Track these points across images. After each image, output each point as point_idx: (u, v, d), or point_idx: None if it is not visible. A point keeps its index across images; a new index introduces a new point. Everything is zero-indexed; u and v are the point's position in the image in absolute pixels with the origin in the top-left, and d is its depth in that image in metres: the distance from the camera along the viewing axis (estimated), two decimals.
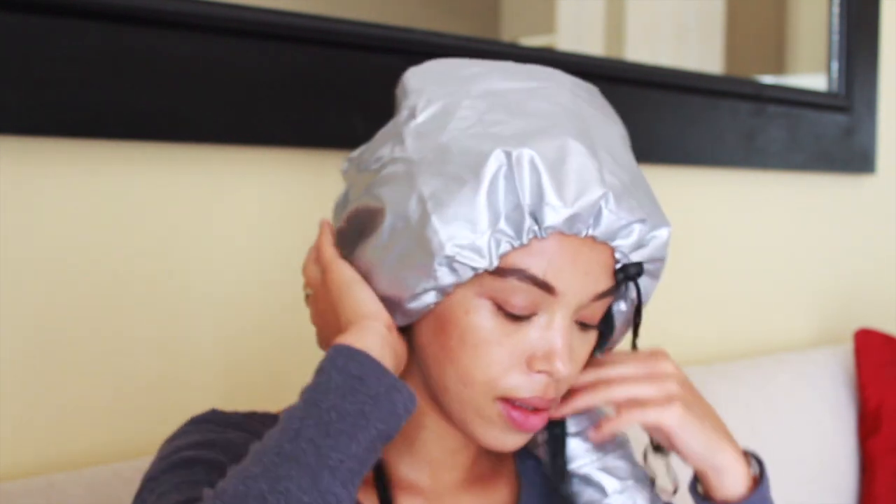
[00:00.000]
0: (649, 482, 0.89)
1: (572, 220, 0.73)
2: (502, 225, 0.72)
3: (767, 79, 2.00)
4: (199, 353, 1.11)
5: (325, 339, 0.84)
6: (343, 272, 0.79)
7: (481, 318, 0.75)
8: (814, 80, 1.96)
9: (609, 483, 0.86)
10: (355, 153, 0.84)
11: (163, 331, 1.09)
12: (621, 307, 0.83)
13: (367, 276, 0.79)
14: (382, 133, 0.81)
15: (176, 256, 1.10)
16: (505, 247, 0.73)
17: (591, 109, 0.79)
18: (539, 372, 0.76)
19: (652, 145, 1.59)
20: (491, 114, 0.75)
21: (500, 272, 0.74)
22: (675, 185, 1.67)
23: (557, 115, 0.76)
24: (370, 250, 0.78)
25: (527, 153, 0.72)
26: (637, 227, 0.76)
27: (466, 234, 0.72)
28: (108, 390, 1.06)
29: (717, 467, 0.84)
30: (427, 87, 0.79)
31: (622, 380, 0.83)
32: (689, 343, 1.68)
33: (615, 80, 1.51)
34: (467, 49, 1.31)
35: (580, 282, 0.75)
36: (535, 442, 0.89)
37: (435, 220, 0.72)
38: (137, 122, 1.04)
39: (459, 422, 0.79)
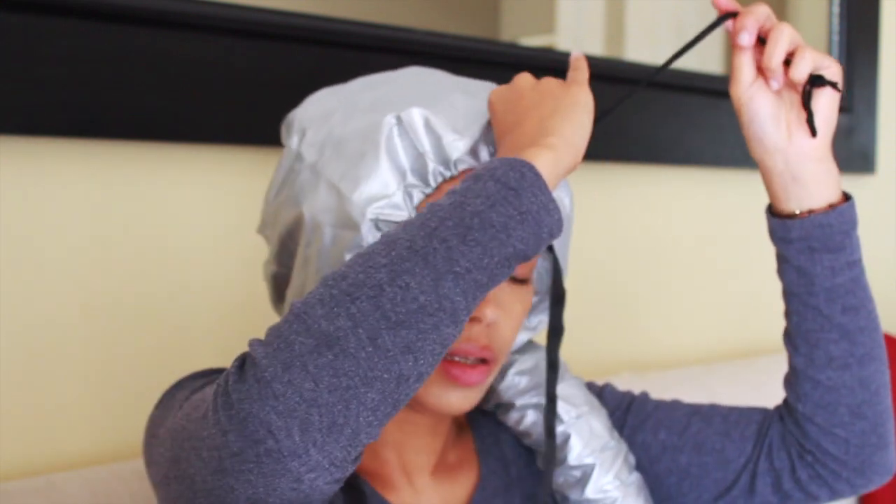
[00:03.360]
0: (603, 409, 0.91)
1: (475, 150, 0.77)
2: (410, 178, 0.77)
3: None
4: (198, 352, 1.11)
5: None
6: (586, 96, 0.76)
7: None
8: None
9: (564, 410, 0.89)
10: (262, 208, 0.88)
11: (162, 330, 1.09)
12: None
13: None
14: (280, 165, 0.85)
15: (176, 256, 1.10)
16: (418, 196, 0.77)
17: (464, 80, 0.85)
18: (470, 321, 0.77)
19: (652, 145, 1.59)
20: (364, 101, 0.80)
21: None
22: (675, 185, 1.67)
23: (425, 83, 0.81)
24: (302, 263, 0.80)
25: (414, 110, 0.77)
26: None
27: (382, 195, 0.76)
28: (108, 391, 1.06)
29: (827, 161, 0.86)
30: (305, 112, 0.84)
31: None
32: (689, 343, 1.68)
33: (615, 80, 1.50)
34: (467, 49, 1.31)
35: None
36: (486, 397, 0.90)
37: (350, 195, 0.77)
38: (137, 122, 1.04)
39: None
